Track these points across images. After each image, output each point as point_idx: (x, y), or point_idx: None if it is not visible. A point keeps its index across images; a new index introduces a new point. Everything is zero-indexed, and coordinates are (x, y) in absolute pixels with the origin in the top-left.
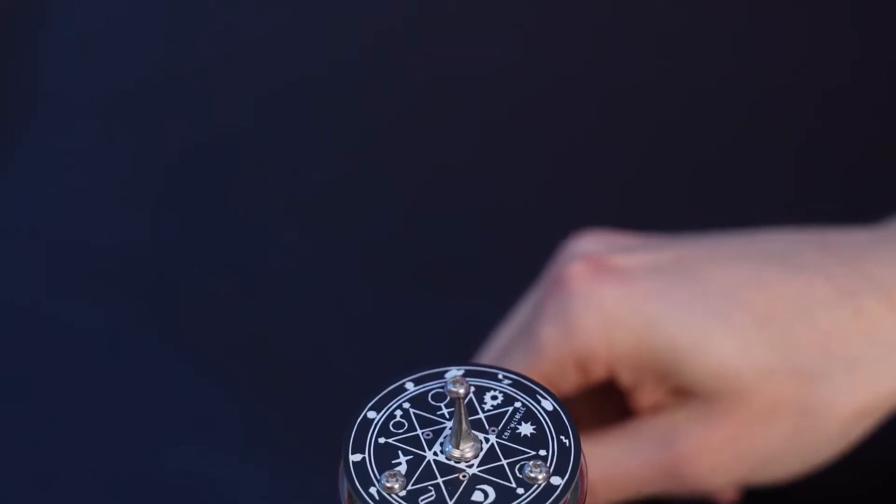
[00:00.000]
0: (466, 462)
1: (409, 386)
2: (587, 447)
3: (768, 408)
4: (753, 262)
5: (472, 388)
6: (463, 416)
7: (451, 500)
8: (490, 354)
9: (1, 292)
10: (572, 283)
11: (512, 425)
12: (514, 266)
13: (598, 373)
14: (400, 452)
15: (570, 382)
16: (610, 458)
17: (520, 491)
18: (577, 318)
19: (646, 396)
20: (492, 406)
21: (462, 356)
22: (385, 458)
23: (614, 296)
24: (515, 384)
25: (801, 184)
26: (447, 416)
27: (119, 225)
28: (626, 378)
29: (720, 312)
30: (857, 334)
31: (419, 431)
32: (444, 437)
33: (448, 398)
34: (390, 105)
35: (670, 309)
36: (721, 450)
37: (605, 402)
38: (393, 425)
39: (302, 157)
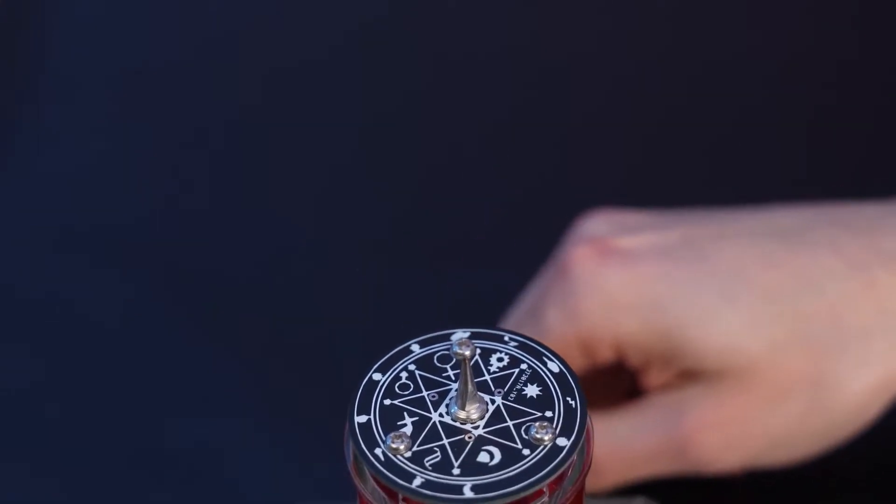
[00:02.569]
0: (472, 423)
1: (415, 348)
2: (595, 426)
3: (780, 383)
4: (762, 239)
5: (478, 350)
6: (468, 378)
7: (456, 461)
8: None
9: (8, 276)
10: (576, 266)
11: (518, 387)
12: (520, 237)
13: (605, 355)
14: (405, 414)
15: (575, 365)
16: (618, 434)
17: (525, 452)
18: (581, 302)
19: (654, 377)
20: (498, 368)
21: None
22: (390, 419)
23: (618, 279)
24: (521, 346)
25: (810, 169)
26: (453, 377)
27: (128, 205)
28: (633, 359)
29: (727, 291)
30: (868, 306)
31: (425, 393)
32: (450, 399)
33: (454, 360)
34: (398, 84)
35: (675, 290)
36: (731, 425)
37: (614, 383)
38: (398, 387)
39: (309, 139)
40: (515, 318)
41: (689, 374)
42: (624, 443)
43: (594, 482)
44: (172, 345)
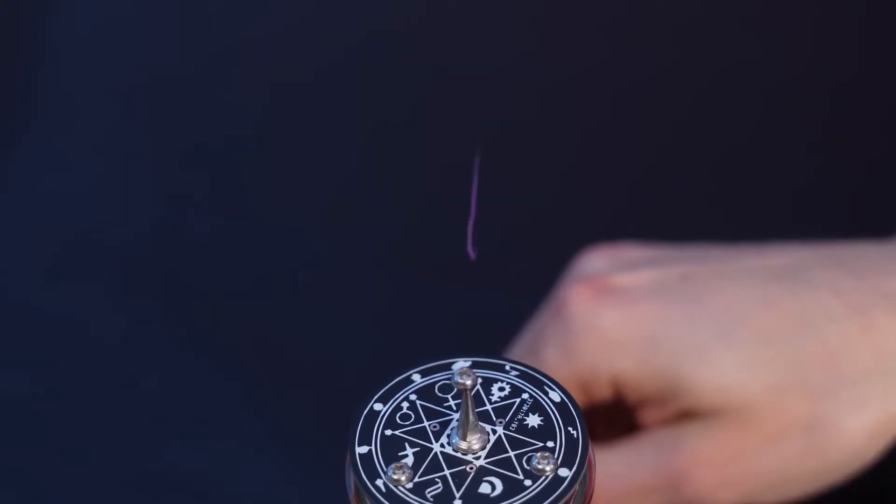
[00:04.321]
0: (474, 454)
1: (416, 378)
2: None
3: (777, 424)
4: (760, 279)
5: (480, 380)
6: (470, 408)
7: (458, 492)
8: None
9: (5, 285)
10: (572, 305)
11: (519, 417)
12: (523, 257)
13: (602, 393)
14: (407, 444)
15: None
16: (611, 467)
17: (527, 483)
18: (577, 341)
19: (652, 415)
20: (499, 397)
21: (470, 346)
22: (392, 450)
23: (615, 317)
24: (523, 375)
25: (813, 180)
26: (454, 407)
27: (128, 220)
28: (631, 397)
29: (724, 331)
30: (866, 349)
31: (426, 423)
32: (451, 429)
33: (455, 390)
34: (401, 98)
35: (672, 329)
36: (726, 463)
37: (612, 418)
38: (399, 417)
39: (312, 154)
40: (514, 356)
41: (687, 413)
42: (617, 476)
43: None
44: (173, 363)
